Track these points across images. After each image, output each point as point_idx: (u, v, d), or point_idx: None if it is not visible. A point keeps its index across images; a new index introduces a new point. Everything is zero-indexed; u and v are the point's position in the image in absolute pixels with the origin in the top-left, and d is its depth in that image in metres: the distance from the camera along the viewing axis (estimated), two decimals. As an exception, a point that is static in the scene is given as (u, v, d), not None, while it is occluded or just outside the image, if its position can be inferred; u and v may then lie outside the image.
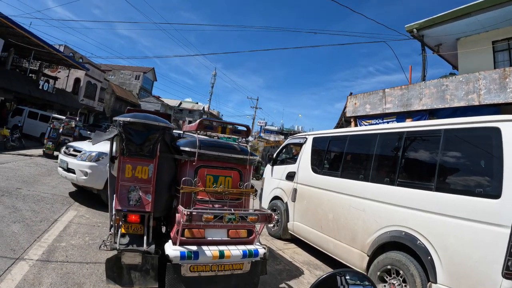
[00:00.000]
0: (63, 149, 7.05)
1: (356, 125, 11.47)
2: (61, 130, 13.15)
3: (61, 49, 24.74)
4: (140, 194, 3.06)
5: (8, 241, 3.95)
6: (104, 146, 5.94)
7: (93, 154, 6.29)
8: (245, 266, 3.27)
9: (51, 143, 12.68)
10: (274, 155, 7.03)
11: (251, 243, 3.40)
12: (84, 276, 3.45)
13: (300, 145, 6.19)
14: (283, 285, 4.16)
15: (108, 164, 3.57)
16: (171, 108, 50.99)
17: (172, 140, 3.51)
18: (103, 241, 3.16)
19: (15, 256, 3.58)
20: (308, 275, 4.62)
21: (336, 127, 13.91)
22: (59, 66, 27.02)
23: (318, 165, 5.49)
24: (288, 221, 5.91)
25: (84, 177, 6.14)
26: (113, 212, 3.10)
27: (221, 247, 3.18)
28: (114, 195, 3.11)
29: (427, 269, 3.19)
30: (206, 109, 55.60)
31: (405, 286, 3.41)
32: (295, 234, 5.80)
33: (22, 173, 8.11)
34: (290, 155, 7.02)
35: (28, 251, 3.76)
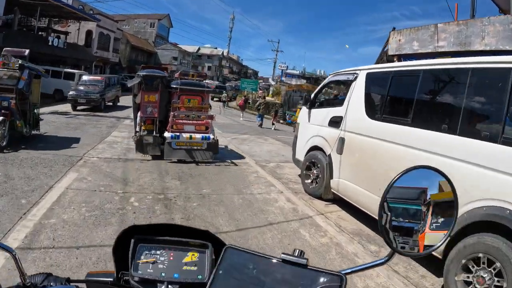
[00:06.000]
0: None
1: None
2: None
3: (69, 2, 23.20)
4: (152, 109, 6.57)
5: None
6: None
7: None
8: (204, 145, 6.71)
9: None
10: (312, 96, 5.79)
11: (207, 133, 6.84)
12: (72, 268, 2.58)
13: (347, 83, 4.86)
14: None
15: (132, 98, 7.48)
16: (189, 55, 49.76)
17: (168, 82, 7.01)
18: (133, 136, 7.02)
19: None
20: (362, 251, 3.58)
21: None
22: (69, 20, 25.52)
23: (377, 109, 4.21)
24: (331, 178, 4.82)
25: None
26: (138, 120, 6.81)
27: (191, 134, 6.62)
28: (139, 113, 6.79)
29: None
30: (225, 54, 53.32)
31: (498, 281, 2.46)
32: (339, 194, 4.73)
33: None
34: (333, 96, 5.70)
35: (8, 236, 2.93)
